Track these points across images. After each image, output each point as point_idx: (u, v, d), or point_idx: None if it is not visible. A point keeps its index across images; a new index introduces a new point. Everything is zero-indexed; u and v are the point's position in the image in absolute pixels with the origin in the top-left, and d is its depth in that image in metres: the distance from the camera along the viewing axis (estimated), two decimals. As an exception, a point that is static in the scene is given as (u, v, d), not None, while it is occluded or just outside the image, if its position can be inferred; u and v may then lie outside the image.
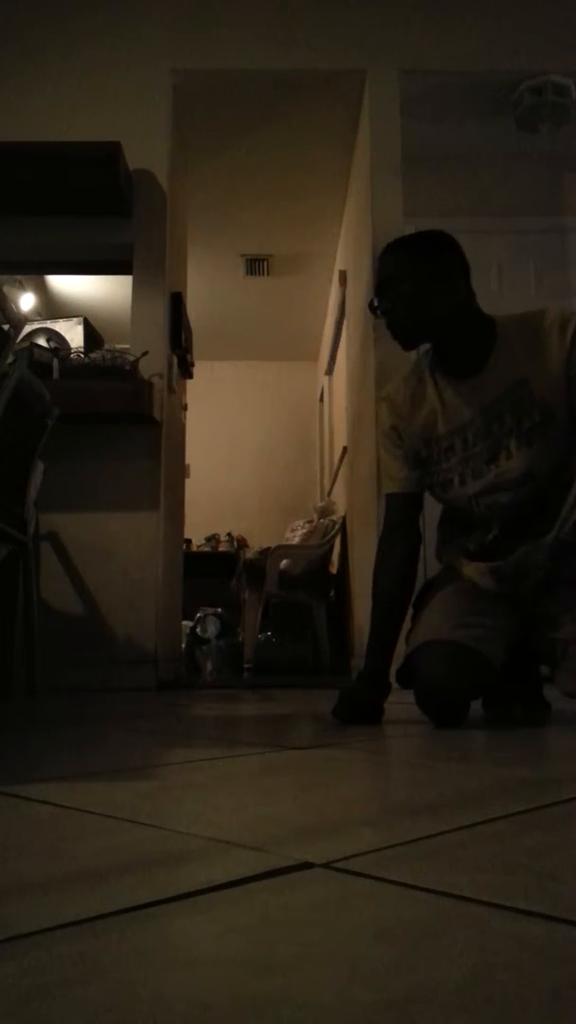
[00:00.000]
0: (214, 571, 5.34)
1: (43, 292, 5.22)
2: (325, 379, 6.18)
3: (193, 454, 4.85)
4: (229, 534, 6.42)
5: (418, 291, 1.67)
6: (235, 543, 6.33)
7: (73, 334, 3.65)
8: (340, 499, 4.87)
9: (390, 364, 3.32)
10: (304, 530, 5.08)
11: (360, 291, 3.78)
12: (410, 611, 1.86)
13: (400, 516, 1.88)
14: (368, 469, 3.25)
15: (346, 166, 4.10)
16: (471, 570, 1.81)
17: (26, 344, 3.30)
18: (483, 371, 1.70)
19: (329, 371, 5.92)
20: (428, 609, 1.81)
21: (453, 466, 1.77)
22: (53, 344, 3.42)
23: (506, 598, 1.79)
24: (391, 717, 1.79)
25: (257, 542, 5.87)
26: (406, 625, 1.85)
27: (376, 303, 1.74)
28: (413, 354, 1.89)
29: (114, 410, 3.07)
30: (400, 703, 1.83)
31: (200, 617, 4.61)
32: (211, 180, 4.19)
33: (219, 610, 4.67)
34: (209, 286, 5.27)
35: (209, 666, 4.43)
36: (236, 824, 0.83)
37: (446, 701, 1.67)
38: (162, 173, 3.43)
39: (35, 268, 4.42)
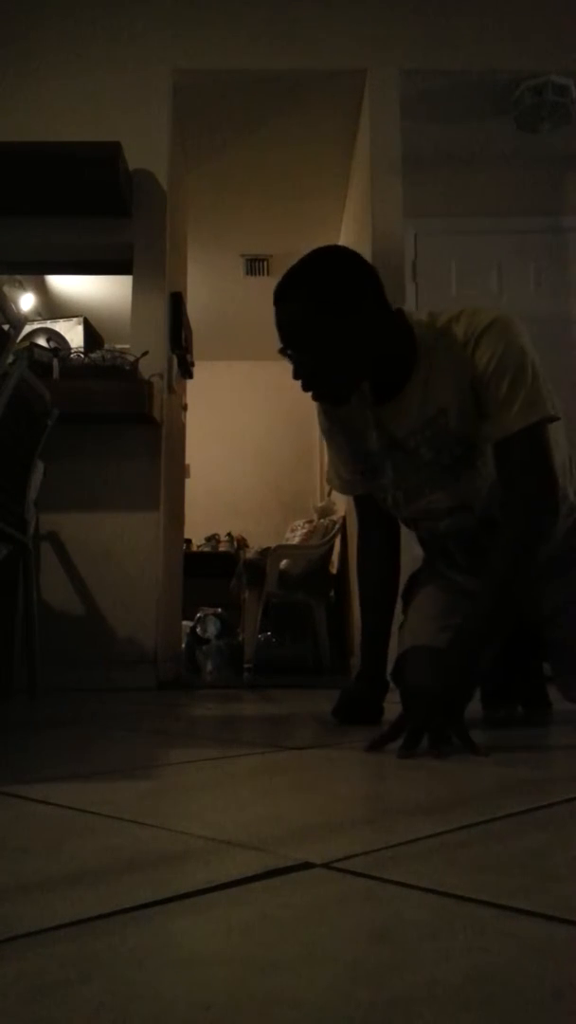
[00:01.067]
0: (214, 571, 5.33)
1: (43, 292, 5.22)
2: (325, 379, 6.17)
3: (193, 454, 4.85)
4: (229, 534, 6.42)
5: (326, 350, 1.49)
6: (235, 543, 6.32)
7: (73, 334, 3.65)
8: (340, 499, 4.87)
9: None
10: (304, 530, 5.08)
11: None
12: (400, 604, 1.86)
13: (368, 512, 1.80)
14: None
15: (346, 166, 4.10)
16: (455, 574, 1.75)
17: (26, 344, 3.29)
18: (400, 398, 1.55)
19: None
20: (413, 607, 1.79)
21: (386, 485, 1.67)
22: (53, 344, 3.42)
23: None
24: (391, 717, 1.79)
25: (257, 542, 5.86)
26: (398, 616, 1.84)
27: (288, 352, 1.55)
28: None
29: (114, 410, 3.07)
30: (400, 703, 1.83)
31: (200, 617, 4.61)
32: (211, 180, 4.19)
33: (219, 610, 4.67)
34: (209, 286, 5.27)
35: (209, 666, 4.42)
36: (236, 824, 0.83)
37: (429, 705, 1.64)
38: (162, 173, 3.43)
39: (35, 268, 4.42)
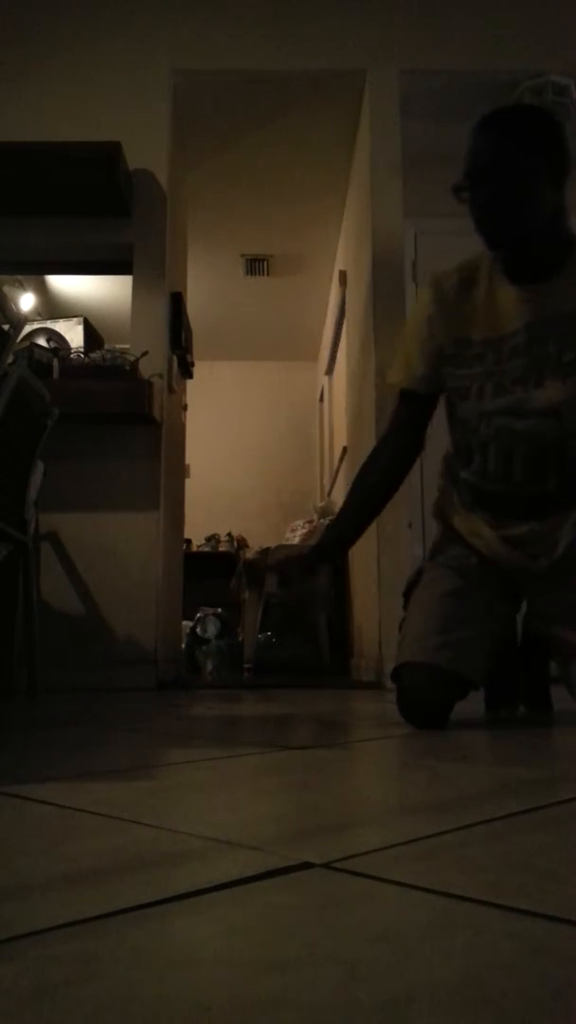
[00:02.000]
0: (214, 571, 5.33)
1: (43, 292, 5.22)
2: (325, 379, 6.18)
3: (193, 454, 4.85)
4: (229, 534, 6.42)
5: (528, 187, 1.53)
6: (235, 543, 6.32)
7: (73, 334, 3.65)
8: (340, 499, 4.86)
9: (390, 365, 3.32)
10: (304, 530, 5.07)
11: (360, 291, 3.78)
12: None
13: (406, 418, 1.79)
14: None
15: (346, 166, 4.10)
16: (482, 540, 1.72)
17: (26, 344, 3.29)
18: (545, 284, 1.58)
19: (329, 371, 5.92)
20: (415, 605, 1.78)
21: (475, 375, 1.65)
22: (53, 344, 3.42)
23: (505, 582, 1.76)
24: (392, 718, 1.79)
25: (257, 542, 5.86)
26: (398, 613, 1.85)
27: (468, 189, 1.59)
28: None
29: (114, 410, 3.07)
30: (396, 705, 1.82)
31: (200, 617, 4.61)
32: (211, 180, 4.19)
33: (219, 610, 4.67)
34: (209, 286, 5.27)
35: (209, 666, 4.42)
36: (236, 824, 0.83)
37: (426, 712, 1.66)
38: (162, 173, 3.43)
39: (35, 268, 4.42)
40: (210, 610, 4.64)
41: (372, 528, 3.00)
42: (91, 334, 3.77)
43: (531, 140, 1.54)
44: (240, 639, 4.67)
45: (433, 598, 1.75)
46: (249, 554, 5.10)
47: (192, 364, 4.02)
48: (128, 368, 3.14)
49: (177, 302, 3.59)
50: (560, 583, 1.68)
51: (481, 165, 1.58)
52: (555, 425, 1.60)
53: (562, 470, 1.62)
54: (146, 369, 3.17)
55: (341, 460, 4.74)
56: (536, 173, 1.53)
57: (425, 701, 1.65)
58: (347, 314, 4.48)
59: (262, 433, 6.97)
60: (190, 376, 4.12)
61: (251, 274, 5.28)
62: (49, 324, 3.74)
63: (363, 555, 3.39)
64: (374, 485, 1.83)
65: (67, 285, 5.22)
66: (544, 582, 1.71)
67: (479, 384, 1.65)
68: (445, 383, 1.71)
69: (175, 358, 3.60)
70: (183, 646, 4.14)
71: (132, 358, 3.17)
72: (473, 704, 1.76)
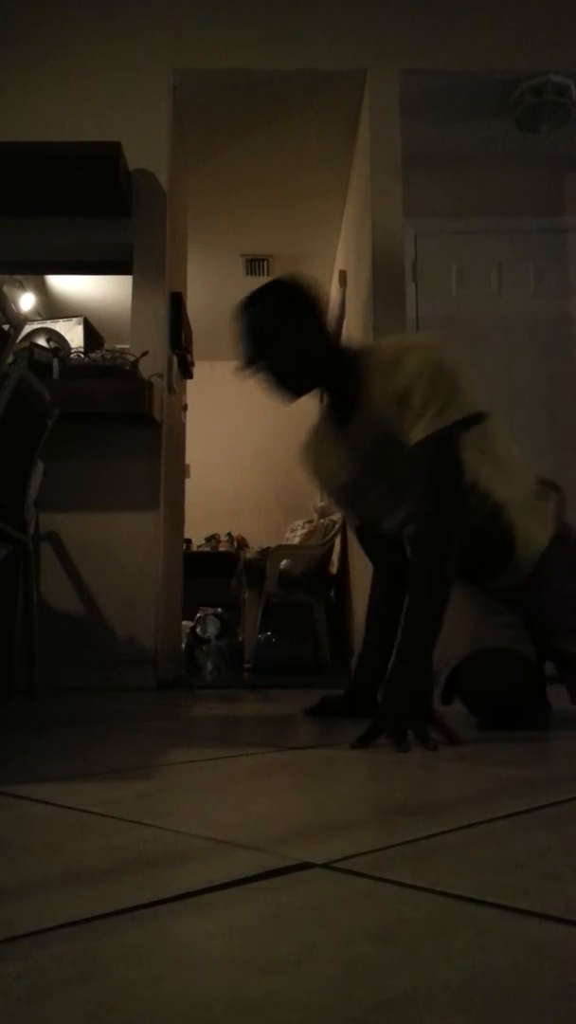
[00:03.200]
0: (214, 571, 5.33)
1: (43, 292, 5.22)
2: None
3: (193, 454, 4.85)
4: (229, 534, 6.41)
5: (293, 341, 1.66)
6: (235, 543, 6.32)
7: (73, 334, 3.65)
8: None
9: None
10: (304, 530, 5.07)
11: (360, 291, 3.78)
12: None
13: (375, 555, 1.94)
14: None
15: (346, 166, 4.10)
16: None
17: (26, 344, 3.29)
18: (354, 418, 1.70)
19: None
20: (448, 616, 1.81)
21: (374, 503, 1.79)
22: (53, 344, 3.42)
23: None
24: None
25: (257, 542, 5.86)
26: None
27: (250, 363, 1.69)
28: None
29: (114, 410, 3.07)
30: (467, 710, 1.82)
31: (200, 617, 4.61)
32: (211, 180, 4.19)
33: (219, 610, 4.67)
34: (209, 286, 5.26)
35: (209, 666, 4.42)
36: (236, 824, 0.83)
37: (520, 703, 1.66)
38: (162, 173, 3.43)
39: (35, 268, 4.42)
40: (210, 610, 4.64)
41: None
42: (91, 334, 3.77)
43: (280, 304, 1.68)
44: (240, 639, 4.66)
45: (460, 601, 1.74)
46: (249, 554, 5.10)
47: (192, 364, 4.02)
48: (128, 368, 3.14)
49: (177, 302, 3.59)
50: (545, 598, 1.73)
51: (248, 340, 1.68)
52: None
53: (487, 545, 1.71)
54: (146, 369, 3.17)
55: (341, 460, 4.73)
56: (295, 328, 1.66)
57: (524, 693, 1.65)
58: (347, 314, 4.48)
59: (262, 433, 6.96)
60: (190, 376, 4.12)
61: (251, 274, 5.28)
62: (49, 324, 3.74)
63: (363, 555, 3.39)
64: (381, 610, 1.90)
65: (67, 285, 5.22)
66: (527, 592, 1.76)
67: (379, 511, 1.80)
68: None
69: (175, 358, 3.59)
70: (183, 646, 4.14)
71: (132, 358, 3.17)
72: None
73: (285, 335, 1.66)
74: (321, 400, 1.81)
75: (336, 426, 1.77)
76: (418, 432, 1.57)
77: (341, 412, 1.74)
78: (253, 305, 1.68)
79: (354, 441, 1.73)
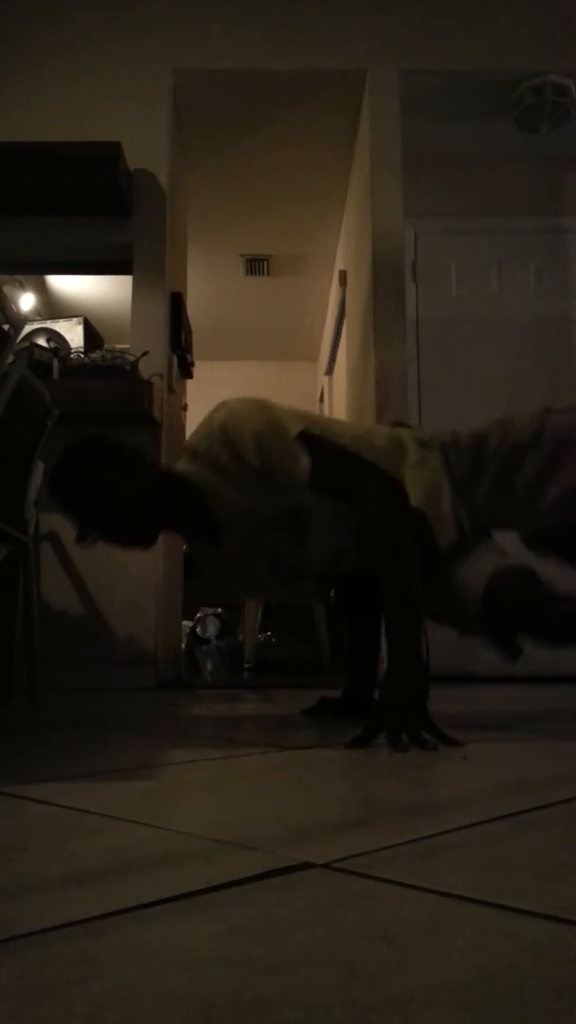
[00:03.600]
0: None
1: (43, 292, 5.22)
2: (325, 379, 6.18)
3: (193, 454, 4.84)
4: (229, 534, 6.41)
5: (119, 496, 1.63)
6: (235, 543, 6.31)
7: (73, 334, 3.65)
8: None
9: (390, 365, 3.32)
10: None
11: (360, 291, 3.78)
12: None
13: (347, 596, 1.96)
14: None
15: (346, 166, 4.10)
16: None
17: (26, 344, 3.29)
18: (227, 530, 1.68)
19: (329, 371, 5.92)
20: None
21: (307, 572, 1.79)
22: (53, 344, 3.42)
23: None
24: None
25: (257, 542, 5.85)
26: None
27: (83, 536, 1.67)
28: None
29: (114, 410, 3.07)
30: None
31: (200, 617, 4.61)
32: (211, 180, 4.19)
33: (219, 610, 4.67)
34: (209, 286, 5.27)
35: (209, 666, 4.42)
36: (236, 824, 0.83)
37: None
38: (162, 173, 3.43)
39: (35, 268, 4.42)
40: (210, 610, 4.64)
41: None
42: (91, 334, 3.77)
43: (81, 481, 1.64)
44: (240, 639, 4.66)
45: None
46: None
47: (192, 364, 4.02)
48: (128, 368, 3.14)
49: (177, 302, 3.59)
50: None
51: (69, 517, 1.66)
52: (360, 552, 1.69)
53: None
54: (146, 369, 3.17)
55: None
56: (102, 498, 1.62)
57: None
58: (347, 314, 4.48)
59: (262, 433, 6.96)
60: (190, 376, 4.12)
61: (251, 274, 5.27)
62: (49, 324, 3.74)
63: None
64: (370, 615, 1.92)
65: (67, 285, 5.22)
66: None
67: (315, 573, 1.81)
68: None
69: (175, 358, 3.59)
70: (183, 646, 4.14)
71: (132, 358, 3.17)
72: (473, 704, 1.76)
73: (109, 494, 1.62)
74: (181, 535, 1.80)
75: (215, 548, 1.73)
76: (301, 474, 1.57)
77: (204, 538, 1.72)
78: (64, 478, 1.64)
79: (240, 548, 1.71)
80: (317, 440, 1.60)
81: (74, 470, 1.64)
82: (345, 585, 1.96)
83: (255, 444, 1.57)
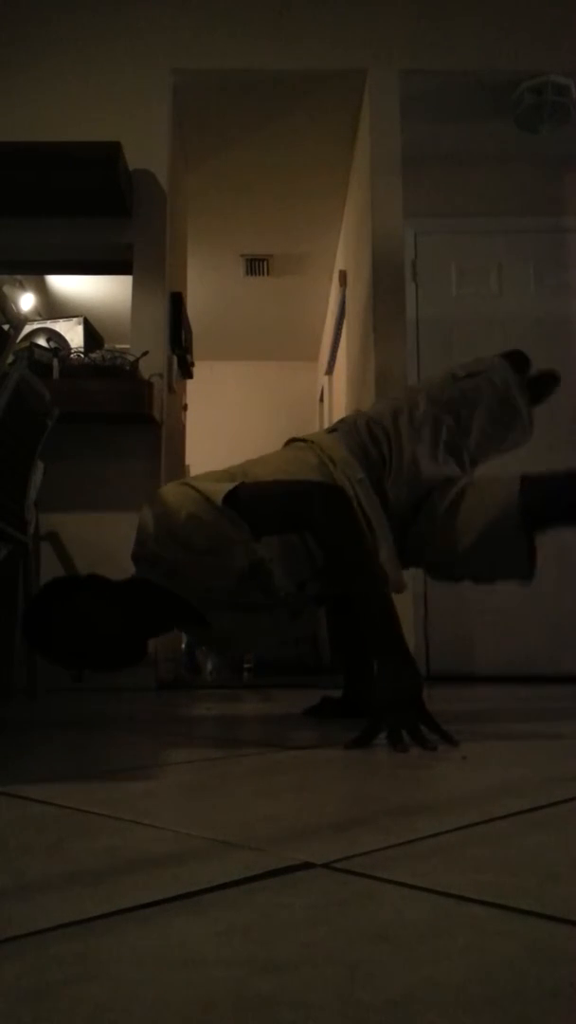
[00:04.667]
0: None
1: (43, 292, 5.21)
2: (325, 379, 6.18)
3: (193, 454, 4.85)
4: (229, 534, 6.41)
5: (96, 641, 1.64)
6: (235, 543, 6.31)
7: (73, 334, 3.65)
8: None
9: (390, 365, 3.32)
10: (304, 530, 5.07)
11: (360, 291, 3.78)
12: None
13: (333, 613, 2.00)
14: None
15: (346, 166, 4.10)
16: None
17: (26, 344, 3.29)
18: (206, 616, 1.71)
19: (329, 371, 5.92)
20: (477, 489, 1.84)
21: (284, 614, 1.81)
22: (53, 344, 3.42)
23: None
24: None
25: (257, 542, 5.85)
26: None
27: (79, 677, 1.71)
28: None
29: (114, 410, 3.07)
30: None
31: (200, 617, 4.60)
32: (211, 180, 4.19)
33: (219, 610, 4.66)
34: (209, 286, 5.26)
35: (209, 666, 4.42)
36: (236, 824, 0.83)
37: None
38: (162, 173, 3.43)
39: (35, 268, 4.42)
40: (210, 610, 4.63)
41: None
42: (91, 334, 3.77)
43: (52, 633, 1.64)
44: (240, 639, 4.66)
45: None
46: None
47: (192, 364, 4.02)
48: (128, 368, 3.14)
49: (177, 302, 3.59)
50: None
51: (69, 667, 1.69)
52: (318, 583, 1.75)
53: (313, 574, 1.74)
54: (146, 369, 3.17)
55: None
56: (101, 637, 1.64)
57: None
58: (347, 314, 4.48)
59: (262, 433, 6.94)
60: (190, 376, 4.12)
61: (251, 274, 5.27)
62: (49, 324, 3.74)
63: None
64: (345, 623, 1.97)
65: (67, 285, 5.22)
66: None
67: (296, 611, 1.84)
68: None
69: (175, 358, 3.59)
70: (183, 646, 4.14)
71: (132, 358, 3.17)
72: (473, 704, 1.76)
73: (92, 625, 1.63)
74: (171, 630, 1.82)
75: (208, 629, 1.77)
76: (245, 533, 1.59)
77: (194, 622, 1.75)
78: (42, 625, 1.65)
79: (227, 623, 1.74)
80: (246, 489, 1.62)
81: (50, 614, 1.64)
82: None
83: (194, 527, 1.58)
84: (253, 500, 1.60)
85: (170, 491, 1.70)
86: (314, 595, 1.79)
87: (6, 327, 3.09)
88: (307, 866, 0.64)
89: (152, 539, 1.68)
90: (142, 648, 1.73)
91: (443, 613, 3.54)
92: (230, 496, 1.59)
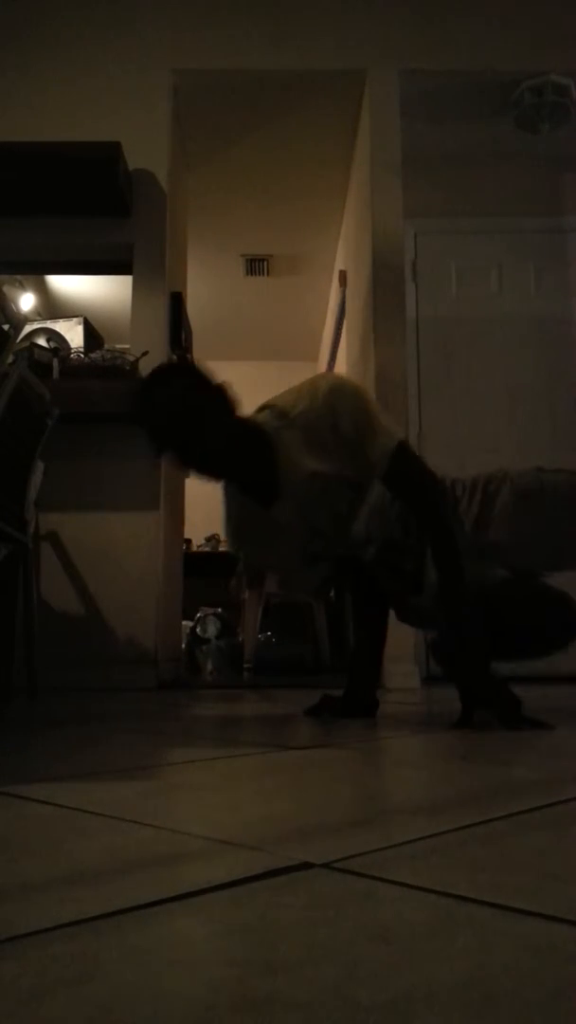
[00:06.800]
0: (214, 571, 5.33)
1: (43, 292, 5.21)
2: (325, 379, 6.17)
3: (193, 454, 4.84)
4: (229, 534, 6.41)
5: (216, 421, 1.70)
6: (235, 543, 6.31)
7: (73, 334, 3.65)
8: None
9: (390, 365, 3.32)
10: (304, 530, 5.06)
11: (360, 291, 3.78)
12: None
13: (352, 587, 2.01)
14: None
15: (346, 166, 4.10)
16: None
17: (26, 344, 3.29)
18: (280, 494, 1.77)
19: (329, 371, 5.92)
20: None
21: (327, 549, 1.87)
22: (53, 344, 3.42)
23: None
24: (391, 717, 1.79)
25: (257, 542, 5.85)
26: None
27: (167, 444, 1.73)
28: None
29: (114, 410, 3.07)
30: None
31: (200, 617, 4.61)
32: (211, 180, 4.19)
33: (219, 610, 4.67)
34: (209, 286, 5.26)
35: (209, 666, 4.42)
36: (236, 824, 0.83)
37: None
38: (162, 173, 3.43)
39: (35, 268, 4.42)
40: (210, 610, 4.64)
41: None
42: (91, 334, 3.77)
43: (173, 396, 1.71)
44: (240, 639, 4.66)
45: None
46: (249, 554, 5.08)
47: (192, 364, 4.02)
48: (128, 368, 3.14)
49: (177, 302, 3.59)
50: None
51: (150, 433, 1.73)
52: (371, 551, 1.82)
53: (412, 553, 1.82)
54: (146, 369, 3.16)
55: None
56: (193, 423, 1.69)
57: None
58: (347, 314, 4.48)
59: (262, 433, 6.97)
60: (190, 376, 4.11)
61: (251, 274, 5.27)
62: (49, 324, 3.74)
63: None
64: (372, 613, 2.00)
65: (67, 285, 5.22)
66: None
67: (336, 551, 1.89)
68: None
69: (175, 358, 3.59)
70: (183, 646, 4.14)
71: (132, 358, 3.17)
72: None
73: (209, 415, 1.69)
74: (241, 486, 1.85)
75: (262, 509, 1.81)
76: (380, 465, 1.70)
77: (261, 494, 1.79)
78: (166, 386, 1.71)
79: (289, 516, 1.78)
80: (409, 449, 1.76)
81: (188, 382, 1.74)
82: (356, 583, 1.98)
83: (356, 418, 1.68)
84: (410, 458, 1.75)
85: (355, 384, 1.80)
86: (364, 559, 1.85)
87: (6, 327, 3.09)
88: (307, 866, 0.64)
89: (312, 401, 1.72)
90: (223, 470, 1.79)
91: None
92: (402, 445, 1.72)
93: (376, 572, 1.88)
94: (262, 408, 1.83)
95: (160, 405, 1.69)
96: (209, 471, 1.77)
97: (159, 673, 3.09)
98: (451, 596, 1.67)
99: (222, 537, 2.01)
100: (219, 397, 1.74)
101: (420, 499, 1.75)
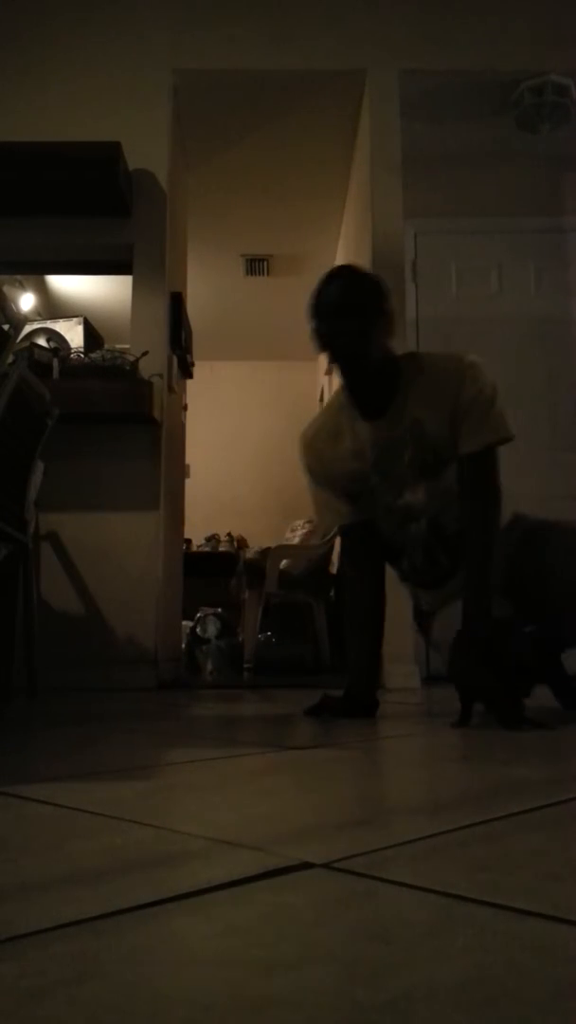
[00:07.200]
0: (214, 571, 5.33)
1: (43, 292, 5.21)
2: (325, 379, 6.18)
3: (193, 454, 4.85)
4: (229, 534, 6.41)
5: (368, 326, 1.78)
6: (235, 543, 6.32)
7: (73, 334, 3.65)
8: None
9: (316, 526, 3.32)
10: (304, 530, 5.07)
11: (360, 291, 3.78)
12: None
13: (357, 549, 2.02)
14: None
15: (346, 166, 4.10)
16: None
17: (26, 344, 3.29)
18: (385, 415, 1.85)
19: (329, 371, 5.90)
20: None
21: (377, 489, 1.91)
22: (53, 344, 3.42)
23: None
24: (390, 718, 1.79)
25: (257, 542, 5.86)
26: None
27: (324, 329, 1.81)
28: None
29: (114, 410, 3.07)
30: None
31: (200, 617, 4.61)
32: (211, 180, 4.19)
33: (219, 610, 4.67)
34: (209, 286, 5.26)
35: (209, 666, 4.42)
36: (236, 824, 0.83)
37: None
38: (162, 173, 3.43)
39: (35, 268, 4.42)
40: (210, 610, 4.64)
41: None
42: (91, 334, 3.77)
43: (368, 289, 1.83)
44: (240, 639, 4.66)
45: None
46: (249, 554, 5.09)
47: (192, 364, 4.02)
48: (128, 368, 3.14)
49: (177, 302, 3.59)
50: None
51: (329, 308, 1.80)
52: (423, 525, 1.89)
53: (451, 551, 1.89)
54: (146, 369, 3.17)
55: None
56: (375, 317, 1.80)
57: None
58: (347, 314, 4.47)
59: (262, 433, 6.96)
60: (190, 376, 4.12)
61: (251, 274, 5.27)
62: (49, 324, 3.74)
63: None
64: (369, 608, 2.01)
65: (67, 285, 5.22)
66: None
67: (383, 499, 1.93)
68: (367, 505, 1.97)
69: (175, 358, 3.59)
70: (183, 646, 4.14)
71: (132, 358, 3.17)
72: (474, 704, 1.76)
73: (383, 312, 1.80)
74: (347, 391, 1.90)
75: (360, 419, 1.88)
76: (472, 444, 1.77)
77: (369, 407, 1.86)
78: (342, 281, 1.81)
79: (378, 437, 1.85)
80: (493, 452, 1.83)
81: (377, 284, 1.84)
82: (368, 579, 2.01)
83: (478, 396, 1.77)
84: (497, 462, 1.84)
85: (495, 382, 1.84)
86: (409, 534, 1.92)
87: (6, 327, 3.09)
88: (307, 866, 0.64)
89: (453, 362, 1.83)
90: (360, 370, 1.84)
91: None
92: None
93: (409, 546, 1.93)
94: (409, 353, 1.96)
95: (356, 284, 1.81)
96: (353, 362, 1.82)
97: (159, 673, 3.09)
98: (474, 594, 1.72)
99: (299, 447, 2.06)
100: (391, 317, 1.85)
101: (482, 495, 1.80)
